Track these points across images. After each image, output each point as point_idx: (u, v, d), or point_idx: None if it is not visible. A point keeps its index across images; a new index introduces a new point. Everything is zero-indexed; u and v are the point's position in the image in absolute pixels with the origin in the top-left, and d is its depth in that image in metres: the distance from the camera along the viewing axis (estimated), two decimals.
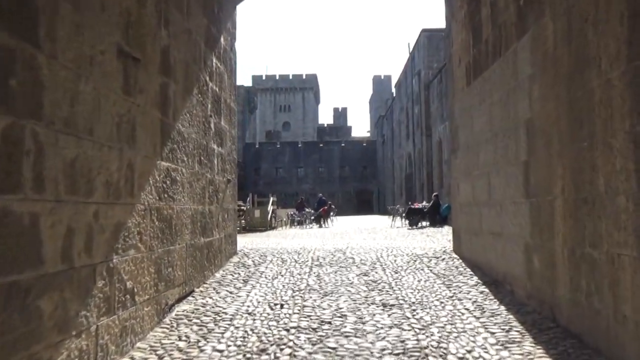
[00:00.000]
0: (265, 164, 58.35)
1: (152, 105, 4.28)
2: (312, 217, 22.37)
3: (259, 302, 5.15)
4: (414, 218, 16.83)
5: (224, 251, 7.07)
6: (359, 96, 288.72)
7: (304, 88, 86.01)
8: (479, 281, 5.80)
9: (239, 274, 6.55)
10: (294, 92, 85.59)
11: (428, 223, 17.13)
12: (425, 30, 27.43)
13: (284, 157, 58.83)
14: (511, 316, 4.53)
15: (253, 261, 7.40)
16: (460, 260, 7.08)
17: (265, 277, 6.32)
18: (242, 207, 21.48)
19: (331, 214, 26.22)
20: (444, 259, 7.30)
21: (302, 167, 58.96)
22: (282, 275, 6.40)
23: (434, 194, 18.15)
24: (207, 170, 6.14)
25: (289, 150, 59.57)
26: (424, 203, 19.39)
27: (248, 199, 21.37)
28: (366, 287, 5.74)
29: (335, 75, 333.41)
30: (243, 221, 20.11)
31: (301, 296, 5.36)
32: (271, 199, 21.37)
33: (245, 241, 12.10)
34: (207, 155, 6.16)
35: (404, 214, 17.79)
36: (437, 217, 16.90)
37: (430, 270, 6.52)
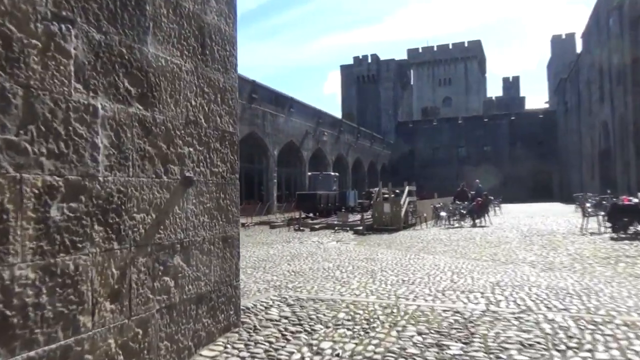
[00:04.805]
0: (420, 144, 52.83)
1: None
2: (465, 212, 17.06)
3: None
4: (620, 221, 10.58)
5: (168, 347, 3.07)
6: (534, 63, 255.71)
7: (467, 57, 76.77)
8: None
9: None
10: (455, 63, 77.10)
11: None
12: None
13: (441, 136, 52.45)
14: None
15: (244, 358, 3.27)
16: None
17: None
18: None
19: (493, 205, 20.47)
20: None
21: (463, 146, 51.89)
22: None
23: None
24: (22, 163, 2.17)
25: (447, 128, 52.94)
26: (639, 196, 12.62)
27: (377, 188, 17.11)
28: None
29: (504, 41, 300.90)
30: (369, 217, 15.97)
31: None
32: (407, 188, 16.71)
33: (337, 259, 7.96)
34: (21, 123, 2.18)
35: (604, 215, 11.49)
36: None
37: None
